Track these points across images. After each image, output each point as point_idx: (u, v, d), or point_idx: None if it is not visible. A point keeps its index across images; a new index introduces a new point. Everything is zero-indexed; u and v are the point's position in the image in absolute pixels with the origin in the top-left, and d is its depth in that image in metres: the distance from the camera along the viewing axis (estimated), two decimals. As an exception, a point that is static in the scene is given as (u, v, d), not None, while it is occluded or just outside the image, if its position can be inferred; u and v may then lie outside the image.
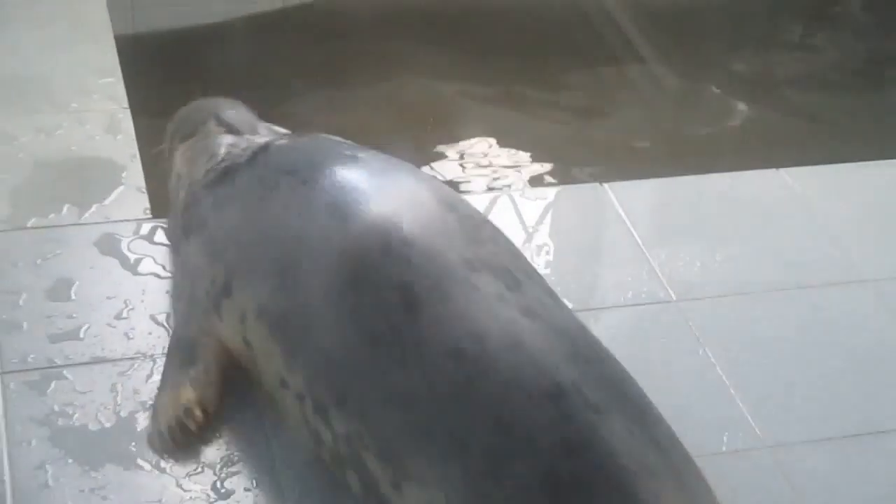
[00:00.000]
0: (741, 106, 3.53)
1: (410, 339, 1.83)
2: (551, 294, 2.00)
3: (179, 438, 2.04)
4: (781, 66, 3.74)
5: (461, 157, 3.20)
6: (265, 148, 2.24)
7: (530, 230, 2.60)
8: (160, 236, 2.45)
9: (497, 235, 2.07)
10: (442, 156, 3.21)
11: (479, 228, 2.03)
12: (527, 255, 2.47)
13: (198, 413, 2.06)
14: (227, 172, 2.22)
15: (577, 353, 1.85)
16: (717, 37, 3.75)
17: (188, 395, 2.07)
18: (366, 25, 3.58)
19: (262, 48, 3.46)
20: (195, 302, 2.16)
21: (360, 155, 2.14)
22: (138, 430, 2.08)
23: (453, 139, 3.23)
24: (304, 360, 1.94)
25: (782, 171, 2.81)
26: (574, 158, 3.21)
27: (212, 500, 1.99)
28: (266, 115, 2.51)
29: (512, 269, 1.96)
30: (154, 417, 2.08)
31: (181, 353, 2.14)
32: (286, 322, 1.97)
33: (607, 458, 1.73)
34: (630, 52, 3.66)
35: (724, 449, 2.18)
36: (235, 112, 2.45)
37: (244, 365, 2.09)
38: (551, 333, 1.85)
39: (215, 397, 2.09)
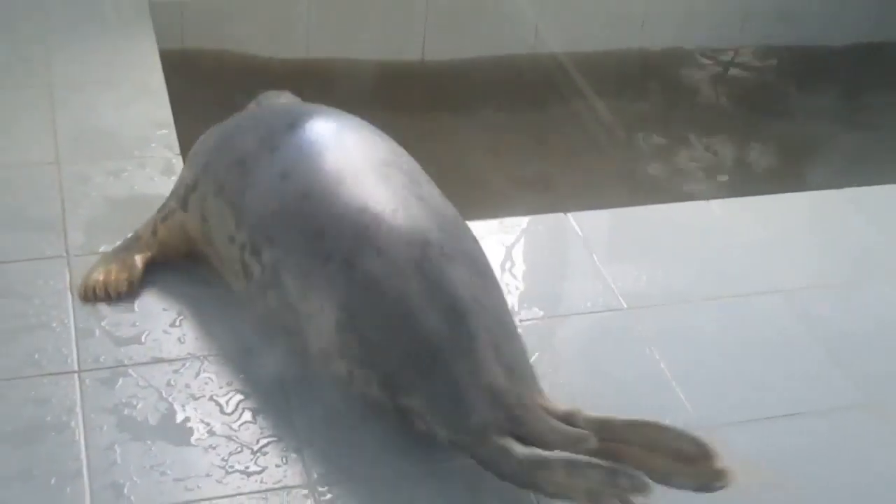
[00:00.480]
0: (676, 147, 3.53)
1: (324, 195, 2.13)
2: (443, 196, 2.26)
3: (101, 295, 2.29)
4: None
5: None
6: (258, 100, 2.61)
7: (507, 252, 2.58)
8: (206, 259, 2.42)
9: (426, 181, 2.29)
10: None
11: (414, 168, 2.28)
12: (504, 272, 2.50)
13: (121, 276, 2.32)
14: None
15: (446, 226, 2.14)
16: (652, 97, 3.70)
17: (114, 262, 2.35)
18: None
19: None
20: (160, 209, 2.42)
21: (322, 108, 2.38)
22: (189, 417, 2.09)
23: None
24: (247, 219, 2.19)
25: (712, 202, 2.81)
26: (542, 192, 3.21)
27: (250, 472, 2.01)
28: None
29: (421, 180, 2.24)
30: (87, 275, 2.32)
31: (125, 241, 2.41)
32: (236, 195, 2.21)
33: (449, 285, 2.01)
34: (586, 104, 3.64)
35: None
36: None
37: (198, 243, 2.34)
38: (433, 212, 2.14)
39: (140, 266, 2.34)
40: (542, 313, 2.41)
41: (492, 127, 3.63)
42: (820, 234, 2.76)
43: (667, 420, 2.12)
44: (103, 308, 2.29)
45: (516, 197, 3.16)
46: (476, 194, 3.09)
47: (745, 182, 3.41)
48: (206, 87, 3.32)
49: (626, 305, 2.45)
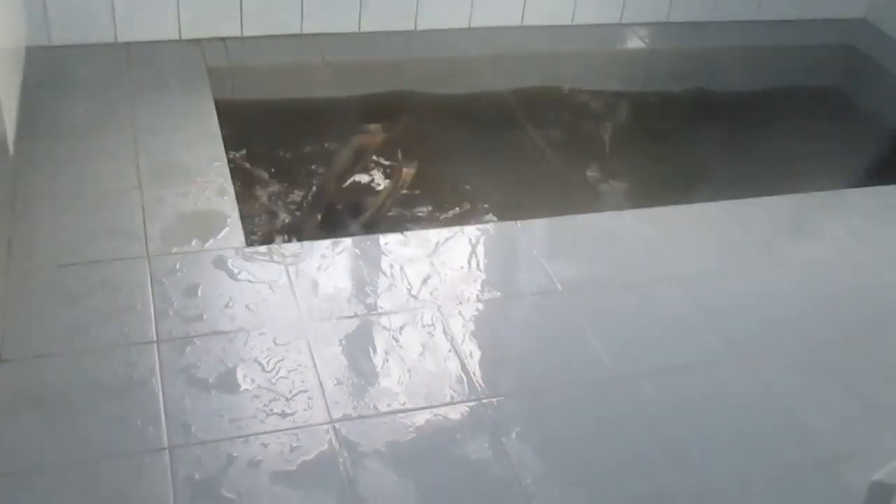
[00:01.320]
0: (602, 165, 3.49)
1: None
2: None
3: None
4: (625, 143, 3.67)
5: (430, 210, 3.16)
6: None
7: (473, 250, 2.58)
8: (251, 258, 2.44)
9: None
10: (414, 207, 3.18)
11: None
12: (471, 265, 2.50)
13: None
14: None
15: None
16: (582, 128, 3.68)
17: None
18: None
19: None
20: None
21: None
22: (238, 374, 2.09)
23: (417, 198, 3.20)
24: None
25: (625, 212, 2.81)
26: (502, 204, 3.17)
27: (285, 414, 2.01)
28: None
29: None
30: None
31: None
32: None
33: None
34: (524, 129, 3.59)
35: (586, 381, 2.18)
36: None
37: None
38: None
39: None
40: (499, 294, 2.41)
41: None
42: (704, 235, 2.76)
43: (588, 373, 2.16)
44: (175, 295, 2.29)
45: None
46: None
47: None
48: (251, 127, 3.31)
49: (561, 288, 2.45)
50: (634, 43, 3.89)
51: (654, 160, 3.55)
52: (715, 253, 2.67)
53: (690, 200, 2.94)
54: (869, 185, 3.11)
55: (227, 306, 2.27)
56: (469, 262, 2.52)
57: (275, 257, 2.44)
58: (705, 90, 3.94)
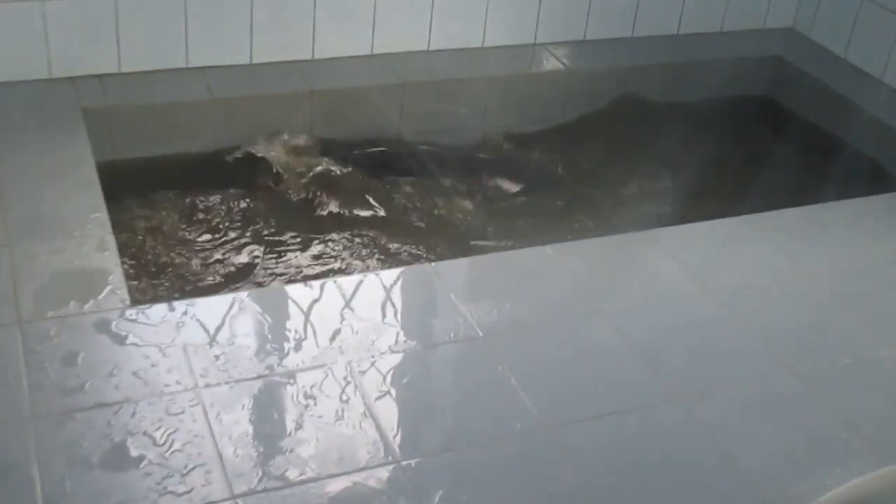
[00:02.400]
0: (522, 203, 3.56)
1: None
2: None
3: None
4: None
5: (330, 248, 3.19)
6: None
7: (387, 298, 2.60)
8: (137, 319, 2.42)
9: None
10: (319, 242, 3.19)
11: None
12: (385, 314, 2.52)
13: None
14: None
15: None
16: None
17: None
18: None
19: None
20: None
21: None
22: (127, 450, 2.06)
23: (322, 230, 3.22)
24: None
25: (547, 246, 2.85)
26: (414, 245, 3.22)
27: (180, 493, 1.97)
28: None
29: None
30: None
31: None
32: None
33: None
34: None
35: (513, 433, 2.20)
36: None
37: None
38: None
39: None
40: (416, 344, 2.42)
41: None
42: (629, 266, 2.83)
43: (517, 424, 2.18)
44: (51, 364, 2.25)
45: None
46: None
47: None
48: (134, 173, 3.30)
49: (482, 334, 2.48)
50: (551, 64, 3.99)
51: (576, 188, 3.64)
52: (641, 284, 2.73)
53: (613, 231, 3.01)
54: (801, 203, 3.22)
55: (111, 374, 2.24)
56: (382, 311, 2.53)
57: (165, 317, 2.42)
58: (628, 108, 4.05)
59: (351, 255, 3.15)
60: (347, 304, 2.54)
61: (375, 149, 3.63)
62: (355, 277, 2.66)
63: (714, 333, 2.57)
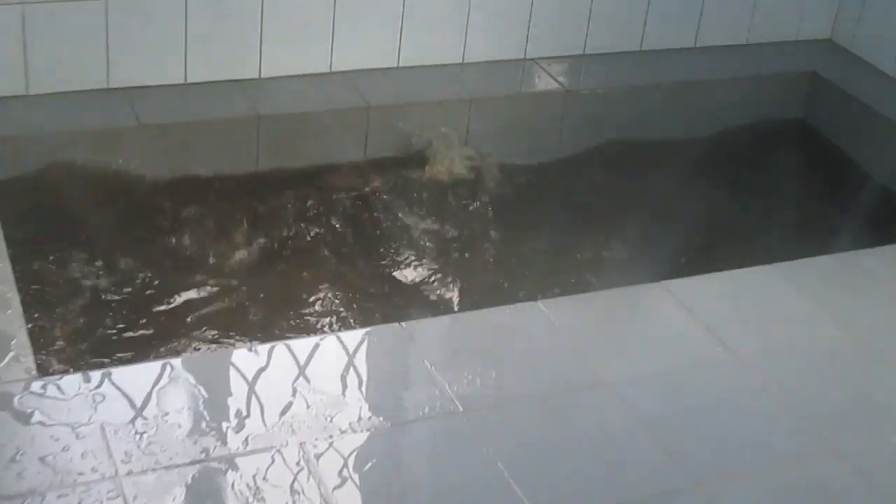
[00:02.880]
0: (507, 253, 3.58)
1: None
2: None
3: None
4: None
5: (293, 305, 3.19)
6: None
7: (349, 364, 2.59)
8: (46, 392, 2.39)
9: None
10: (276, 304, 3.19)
11: None
12: (347, 385, 2.51)
13: None
14: None
15: None
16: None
17: None
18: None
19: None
20: None
21: None
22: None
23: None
24: None
25: (539, 302, 2.85)
26: (378, 304, 3.24)
27: None
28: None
29: None
30: None
31: None
32: None
33: None
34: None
35: None
36: None
37: None
38: None
39: None
40: (383, 421, 2.42)
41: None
42: (639, 326, 2.84)
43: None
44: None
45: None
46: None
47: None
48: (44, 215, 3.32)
49: (461, 408, 2.47)
50: (544, 83, 4.02)
51: (574, 231, 3.66)
52: (653, 347, 2.73)
53: (616, 283, 3.04)
54: (841, 249, 3.27)
55: (13, 460, 2.21)
56: (342, 381, 2.52)
57: (80, 389, 2.41)
58: (636, 135, 4.09)
59: (305, 312, 3.15)
60: (301, 372, 2.53)
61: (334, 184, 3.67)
62: (310, 340, 2.65)
63: (741, 407, 2.57)
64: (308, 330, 3.10)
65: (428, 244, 3.53)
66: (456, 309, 3.25)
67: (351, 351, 2.63)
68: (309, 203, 3.58)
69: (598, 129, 4.07)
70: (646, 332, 2.81)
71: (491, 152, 3.88)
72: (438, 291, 3.35)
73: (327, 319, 3.16)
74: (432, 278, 3.40)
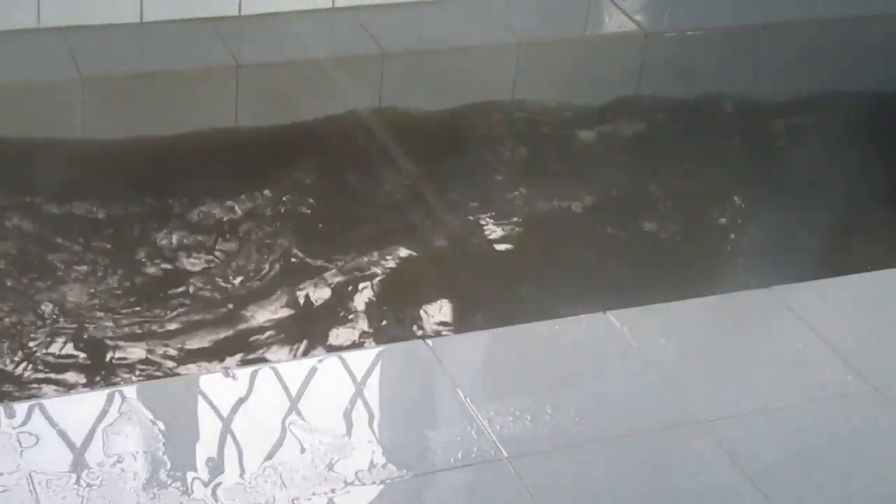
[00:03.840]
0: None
1: None
2: None
3: None
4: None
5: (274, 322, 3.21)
6: None
7: (358, 393, 2.59)
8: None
9: None
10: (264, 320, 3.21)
11: None
12: (355, 421, 2.51)
13: None
14: None
15: None
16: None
17: None
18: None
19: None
20: None
21: None
22: None
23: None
24: None
25: (609, 313, 2.85)
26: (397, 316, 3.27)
27: None
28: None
29: None
30: None
31: None
32: None
33: None
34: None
35: None
36: None
37: None
38: None
39: None
40: (406, 472, 2.41)
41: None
42: (741, 346, 2.84)
43: None
44: None
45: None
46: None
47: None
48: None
49: (506, 454, 2.46)
50: (616, 22, 4.02)
51: (653, 218, 3.70)
52: (761, 374, 2.73)
53: (712, 288, 3.05)
54: None
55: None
56: (346, 417, 2.52)
57: (0, 427, 2.41)
58: (738, 96, 4.10)
59: (299, 322, 3.18)
60: (293, 405, 2.53)
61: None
62: (305, 362, 2.70)
63: (882, 452, 2.56)
64: (305, 344, 3.12)
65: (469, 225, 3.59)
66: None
67: (359, 377, 2.62)
68: (289, 188, 3.64)
69: (687, 84, 4.10)
70: (751, 355, 2.80)
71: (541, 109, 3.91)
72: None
73: (335, 332, 3.19)
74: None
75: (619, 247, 3.65)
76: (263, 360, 2.84)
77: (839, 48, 4.22)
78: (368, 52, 3.76)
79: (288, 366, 2.67)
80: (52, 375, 2.93)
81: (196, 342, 3.10)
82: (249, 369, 2.63)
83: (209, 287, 3.27)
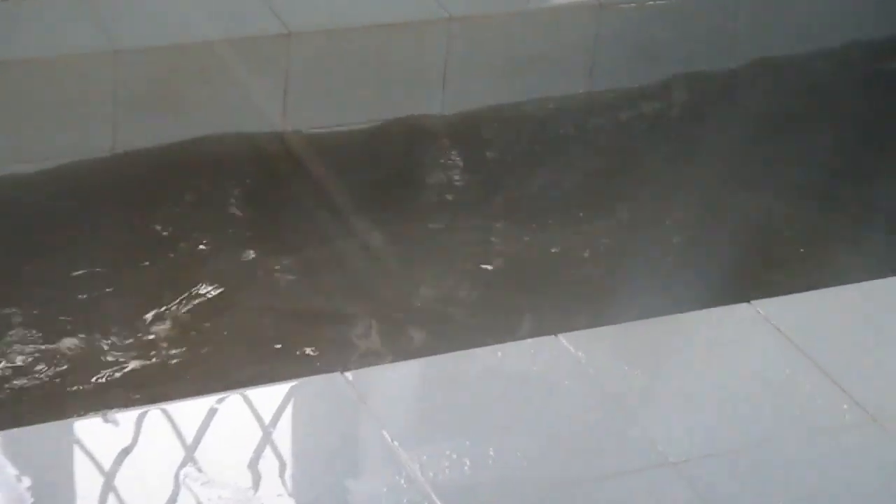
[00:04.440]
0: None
1: None
2: None
3: None
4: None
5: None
6: None
7: (264, 437, 2.60)
8: None
9: None
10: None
11: None
12: (258, 473, 2.50)
13: None
14: None
15: None
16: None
17: None
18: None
19: None
20: None
21: None
22: None
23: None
24: None
25: (559, 337, 2.86)
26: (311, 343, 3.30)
27: None
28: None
29: None
30: None
31: None
32: None
33: None
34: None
35: None
36: None
37: None
38: None
39: None
40: (318, 529, 2.42)
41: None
42: (717, 371, 2.85)
43: None
44: None
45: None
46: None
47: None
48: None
49: (447, 510, 2.48)
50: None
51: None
52: (740, 406, 2.74)
53: (696, 302, 3.11)
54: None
55: None
56: (253, 466, 2.52)
57: None
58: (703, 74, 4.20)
59: (194, 354, 3.21)
60: (188, 453, 2.53)
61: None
62: (201, 401, 2.67)
63: (888, 495, 2.58)
64: (200, 380, 3.16)
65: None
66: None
67: (266, 418, 2.62)
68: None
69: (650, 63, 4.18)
70: (729, 382, 2.81)
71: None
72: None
73: (237, 362, 3.23)
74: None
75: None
76: (150, 401, 2.83)
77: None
78: (272, 32, 3.80)
79: (180, 406, 2.65)
80: None
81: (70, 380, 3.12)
82: (134, 412, 2.63)
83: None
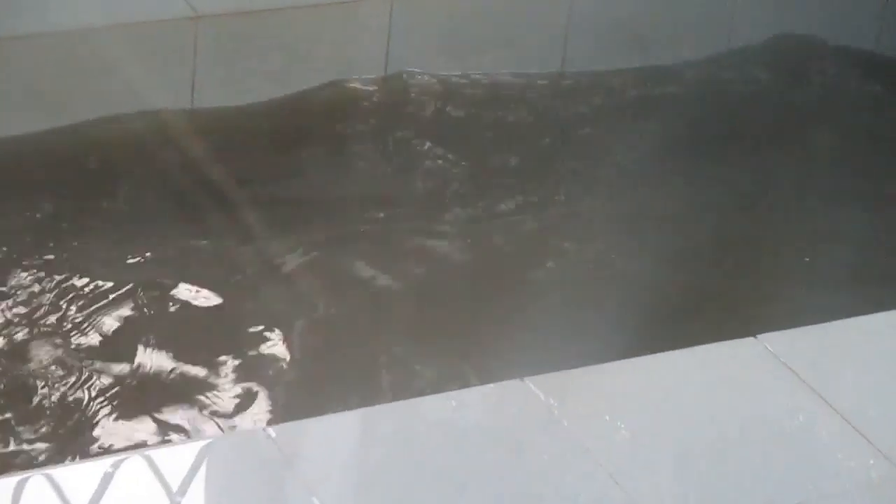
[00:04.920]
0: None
1: None
2: None
3: None
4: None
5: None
6: None
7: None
8: None
9: None
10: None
11: None
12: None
13: None
14: None
15: None
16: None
17: None
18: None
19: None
20: None
21: None
22: None
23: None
24: None
25: (527, 380, 2.86)
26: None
27: None
28: None
29: None
30: None
31: None
32: None
33: None
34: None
35: None
36: None
37: None
38: None
39: None
40: None
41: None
42: (719, 418, 2.86)
43: None
44: None
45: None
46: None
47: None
48: None
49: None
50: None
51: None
52: (747, 462, 2.74)
53: (693, 339, 3.07)
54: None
55: None
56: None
57: None
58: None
59: (89, 411, 3.19)
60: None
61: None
62: (96, 464, 2.62)
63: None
64: (95, 441, 3.14)
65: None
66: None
67: (174, 483, 2.58)
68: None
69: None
70: (733, 431, 2.82)
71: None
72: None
73: (137, 420, 3.22)
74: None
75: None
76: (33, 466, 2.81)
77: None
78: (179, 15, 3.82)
79: (70, 471, 2.64)
80: None
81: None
82: (13, 478, 2.59)
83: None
